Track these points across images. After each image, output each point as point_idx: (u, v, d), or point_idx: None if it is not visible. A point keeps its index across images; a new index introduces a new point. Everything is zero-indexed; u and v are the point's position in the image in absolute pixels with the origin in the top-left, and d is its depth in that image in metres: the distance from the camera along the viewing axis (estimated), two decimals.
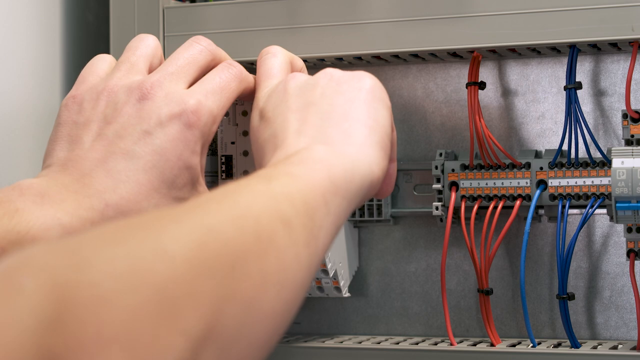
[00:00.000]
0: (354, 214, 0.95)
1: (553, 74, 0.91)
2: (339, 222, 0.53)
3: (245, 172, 0.83)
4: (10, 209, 0.58)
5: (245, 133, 0.82)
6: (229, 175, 0.86)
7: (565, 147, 0.86)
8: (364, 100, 0.61)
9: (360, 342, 0.92)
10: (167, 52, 0.86)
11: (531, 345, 0.87)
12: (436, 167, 0.91)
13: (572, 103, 0.85)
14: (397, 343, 0.91)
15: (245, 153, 0.83)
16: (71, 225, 0.59)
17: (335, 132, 0.58)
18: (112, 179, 0.61)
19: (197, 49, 0.66)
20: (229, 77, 0.65)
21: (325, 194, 0.52)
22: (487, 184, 0.89)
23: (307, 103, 0.61)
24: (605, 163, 0.86)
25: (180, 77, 0.64)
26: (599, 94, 0.90)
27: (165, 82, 0.63)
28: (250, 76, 0.67)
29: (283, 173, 0.52)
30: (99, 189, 0.61)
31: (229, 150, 0.86)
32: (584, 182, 0.86)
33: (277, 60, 0.67)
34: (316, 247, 0.50)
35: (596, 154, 0.86)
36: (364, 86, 0.62)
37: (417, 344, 0.90)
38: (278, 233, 0.47)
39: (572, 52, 0.85)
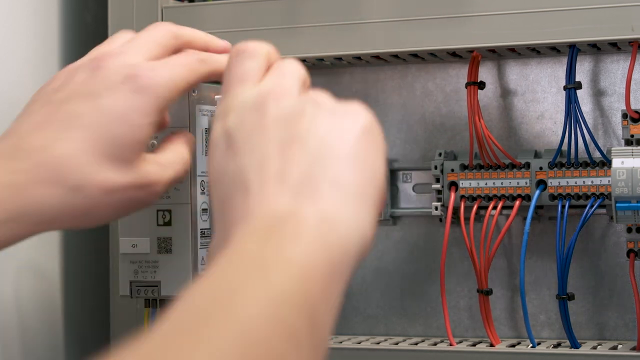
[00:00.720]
0: None
1: (553, 73, 0.91)
2: (335, 311, 0.46)
3: None
4: None
5: None
6: None
7: (564, 147, 0.86)
8: (359, 141, 0.52)
9: (359, 342, 0.91)
10: None
11: (531, 345, 0.87)
12: (435, 167, 0.91)
13: (571, 103, 0.85)
14: (397, 343, 0.91)
15: None
16: None
17: (325, 184, 0.50)
18: (45, 139, 0.61)
19: (161, 29, 0.66)
20: (192, 58, 0.65)
21: (325, 282, 0.45)
22: (486, 184, 0.89)
23: (290, 137, 0.51)
24: (605, 163, 0.86)
25: (140, 51, 0.64)
26: (598, 93, 0.90)
27: (123, 55, 0.64)
28: (221, 57, 0.67)
29: (279, 260, 0.45)
30: (30, 150, 0.61)
31: None
32: (584, 182, 0.86)
33: (253, 64, 0.57)
34: (317, 355, 0.43)
35: (596, 154, 0.86)
36: (360, 123, 0.53)
37: (416, 344, 0.90)
38: (290, 356, 0.40)
39: (572, 52, 0.85)
